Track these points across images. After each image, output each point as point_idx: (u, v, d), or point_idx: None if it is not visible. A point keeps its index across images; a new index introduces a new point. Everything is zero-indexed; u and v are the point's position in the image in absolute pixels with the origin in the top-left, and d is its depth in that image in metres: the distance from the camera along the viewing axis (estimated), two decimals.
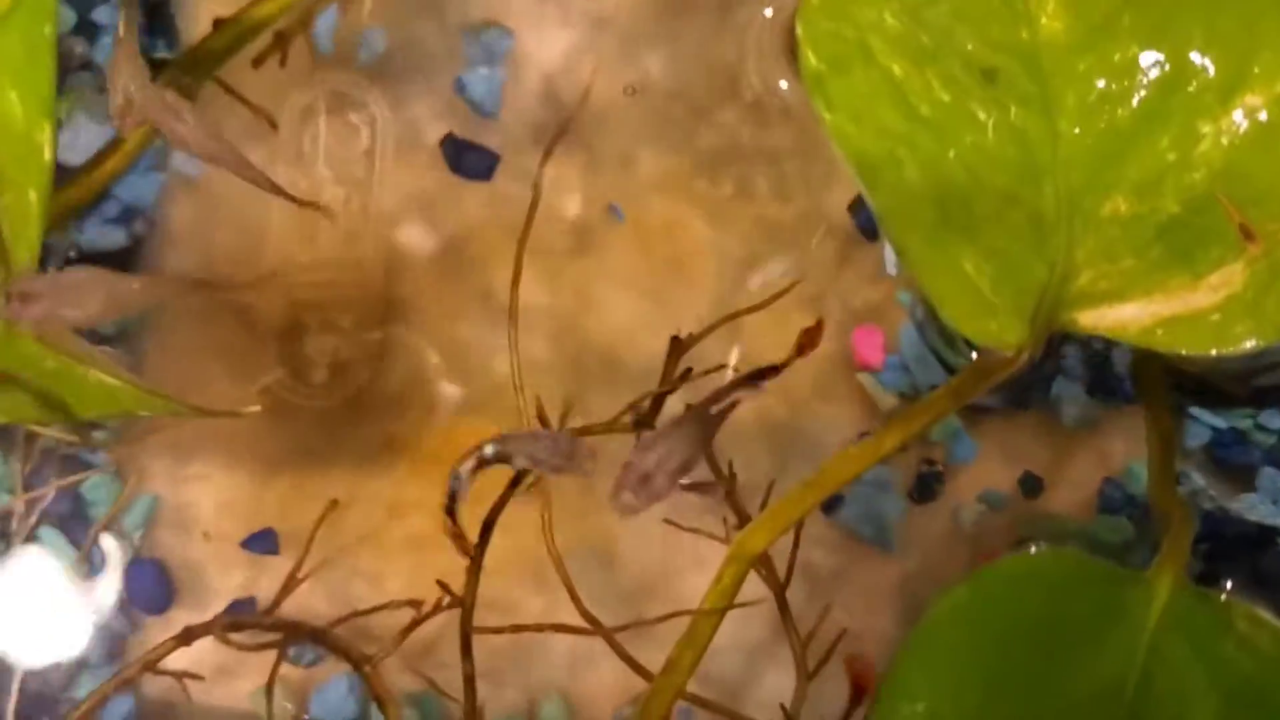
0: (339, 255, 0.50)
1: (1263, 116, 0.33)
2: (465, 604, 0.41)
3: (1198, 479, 0.48)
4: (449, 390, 0.50)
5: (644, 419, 0.38)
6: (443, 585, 0.42)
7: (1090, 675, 0.31)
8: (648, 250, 0.51)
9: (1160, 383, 0.40)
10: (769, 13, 0.48)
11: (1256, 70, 0.33)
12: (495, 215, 0.51)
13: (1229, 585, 0.38)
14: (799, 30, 0.32)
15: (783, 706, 0.44)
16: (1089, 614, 0.31)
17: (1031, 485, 0.49)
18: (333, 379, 0.49)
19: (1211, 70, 0.33)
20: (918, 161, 0.31)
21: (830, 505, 0.50)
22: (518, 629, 0.44)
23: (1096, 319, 0.33)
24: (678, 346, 0.38)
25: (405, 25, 0.51)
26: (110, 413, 0.35)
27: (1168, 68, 0.33)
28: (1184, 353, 0.32)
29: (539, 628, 0.44)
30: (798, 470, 0.50)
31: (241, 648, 0.44)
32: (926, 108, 0.31)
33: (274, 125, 0.48)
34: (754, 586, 0.44)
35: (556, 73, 0.51)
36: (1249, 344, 0.32)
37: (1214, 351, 0.32)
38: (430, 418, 0.50)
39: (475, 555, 0.39)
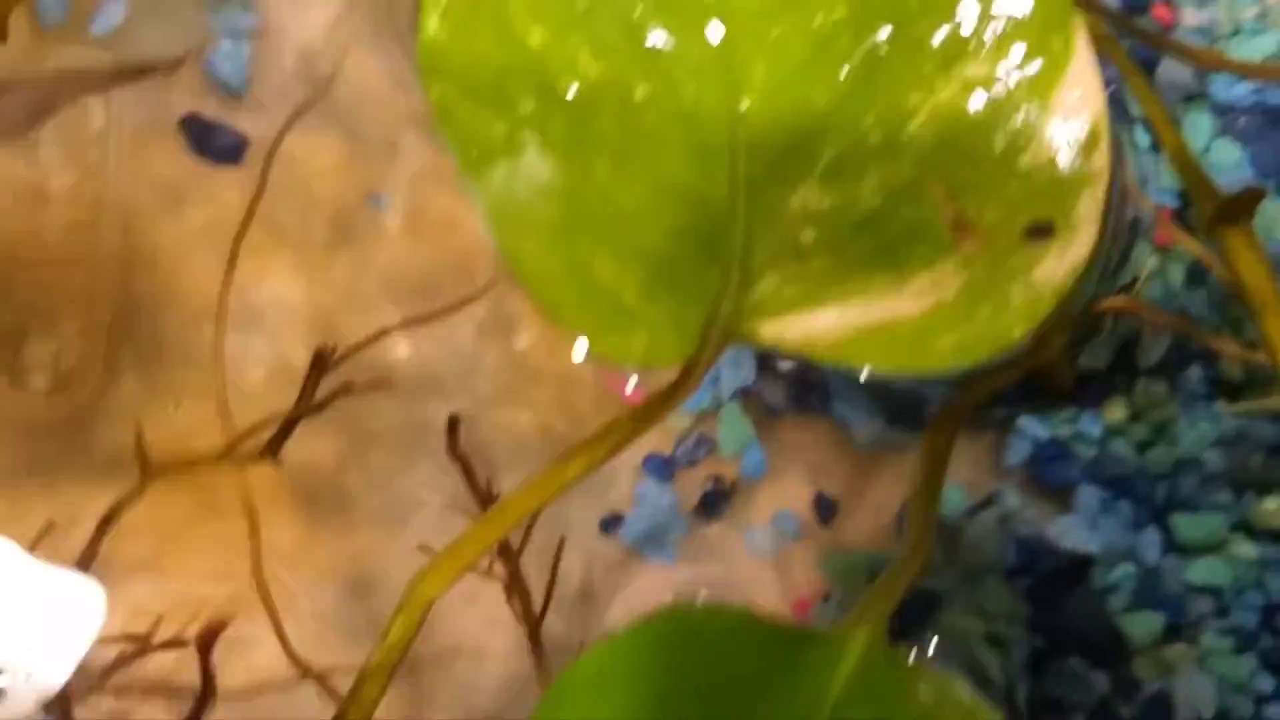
0: (67, 250, 0.46)
1: (993, 89, 0.28)
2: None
3: (1012, 501, 0.44)
4: (188, 399, 0.46)
5: (263, 453, 0.34)
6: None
7: None
8: (417, 243, 0.47)
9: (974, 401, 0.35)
10: None
11: (987, 34, 0.29)
12: (245, 203, 0.47)
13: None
14: None
15: None
16: (760, 679, 0.27)
17: (825, 507, 0.45)
18: (55, 387, 0.45)
19: (934, 37, 0.29)
20: (547, 146, 0.26)
21: (609, 525, 0.46)
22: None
23: (781, 330, 0.28)
24: (321, 361, 0.34)
25: None
26: None
27: (882, 34, 0.29)
28: (883, 370, 0.28)
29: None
30: (575, 493, 0.46)
31: None
32: (568, 82, 0.27)
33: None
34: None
35: (310, 49, 0.47)
36: (957, 362, 0.27)
37: (916, 371, 0.27)
38: (166, 428, 0.46)
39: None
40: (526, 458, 0.46)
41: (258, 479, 0.44)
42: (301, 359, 0.47)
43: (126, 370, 0.46)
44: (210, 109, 0.46)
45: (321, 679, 0.39)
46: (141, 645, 0.42)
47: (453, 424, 0.42)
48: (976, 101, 0.28)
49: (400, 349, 0.45)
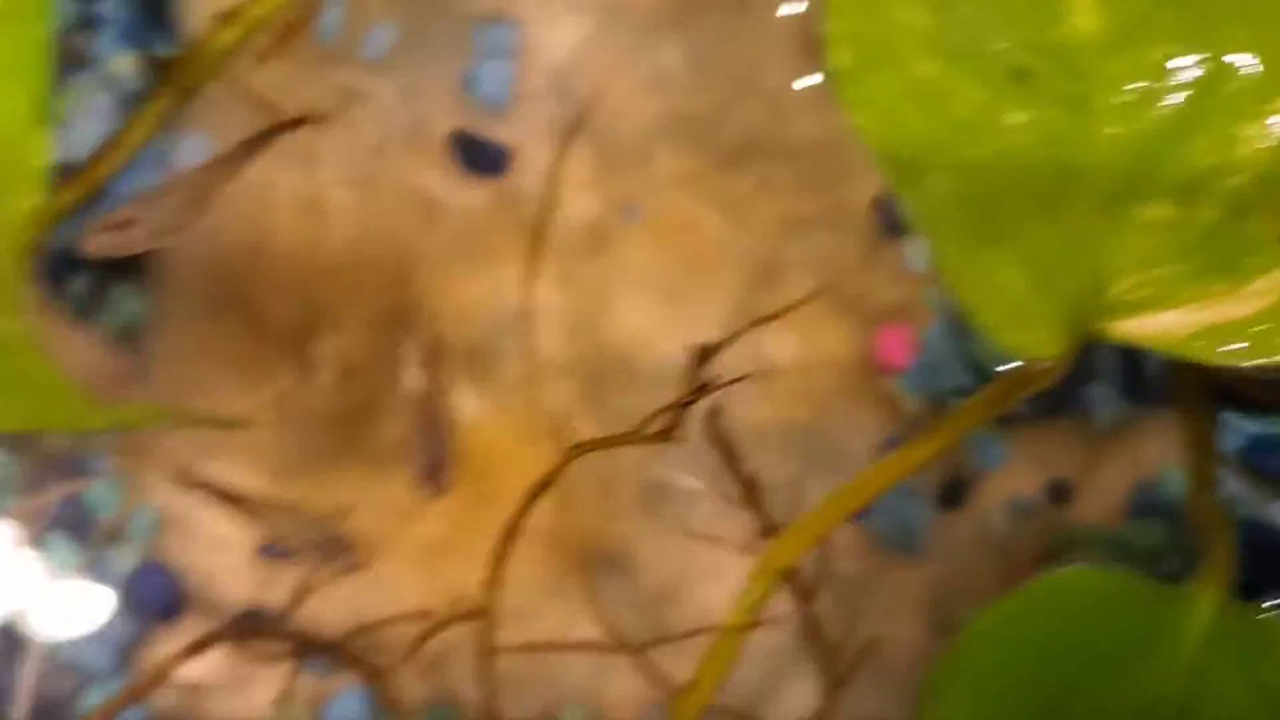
0: (347, 256, 0.49)
1: None
2: (486, 614, 0.41)
3: (1233, 485, 0.48)
4: (462, 394, 0.50)
5: (666, 431, 0.38)
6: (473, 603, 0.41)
7: (1132, 696, 0.31)
8: (665, 249, 0.51)
9: (1196, 388, 0.39)
10: (795, 7, 0.48)
11: None
12: (506, 212, 0.51)
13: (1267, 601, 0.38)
14: (828, 27, 0.31)
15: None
16: (1129, 634, 0.31)
17: (1060, 491, 0.49)
18: (342, 382, 0.49)
19: (1251, 71, 0.33)
20: (949, 166, 0.31)
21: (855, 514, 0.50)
22: (541, 647, 0.44)
23: (1134, 328, 0.32)
24: (700, 355, 0.38)
25: (412, 17, 0.50)
26: (118, 426, 0.35)
27: (1206, 68, 0.33)
28: (1221, 362, 0.32)
29: (561, 647, 0.44)
30: (819, 474, 0.50)
31: (256, 658, 0.44)
32: (959, 109, 0.31)
33: (291, 123, 0.48)
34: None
35: (568, 65, 0.51)
36: None
37: (1254, 362, 0.31)
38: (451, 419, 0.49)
39: (496, 564, 0.38)
40: (765, 445, 0.50)
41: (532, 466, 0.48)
42: (561, 357, 0.51)
43: (401, 365, 0.49)
44: (474, 124, 0.50)
45: (637, 652, 0.43)
46: (442, 620, 0.46)
47: (712, 416, 0.46)
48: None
49: (662, 345, 0.49)
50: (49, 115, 0.32)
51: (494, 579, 0.40)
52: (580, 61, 0.50)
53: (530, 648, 0.45)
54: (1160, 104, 0.32)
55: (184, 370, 0.49)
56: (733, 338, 0.38)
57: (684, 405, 0.37)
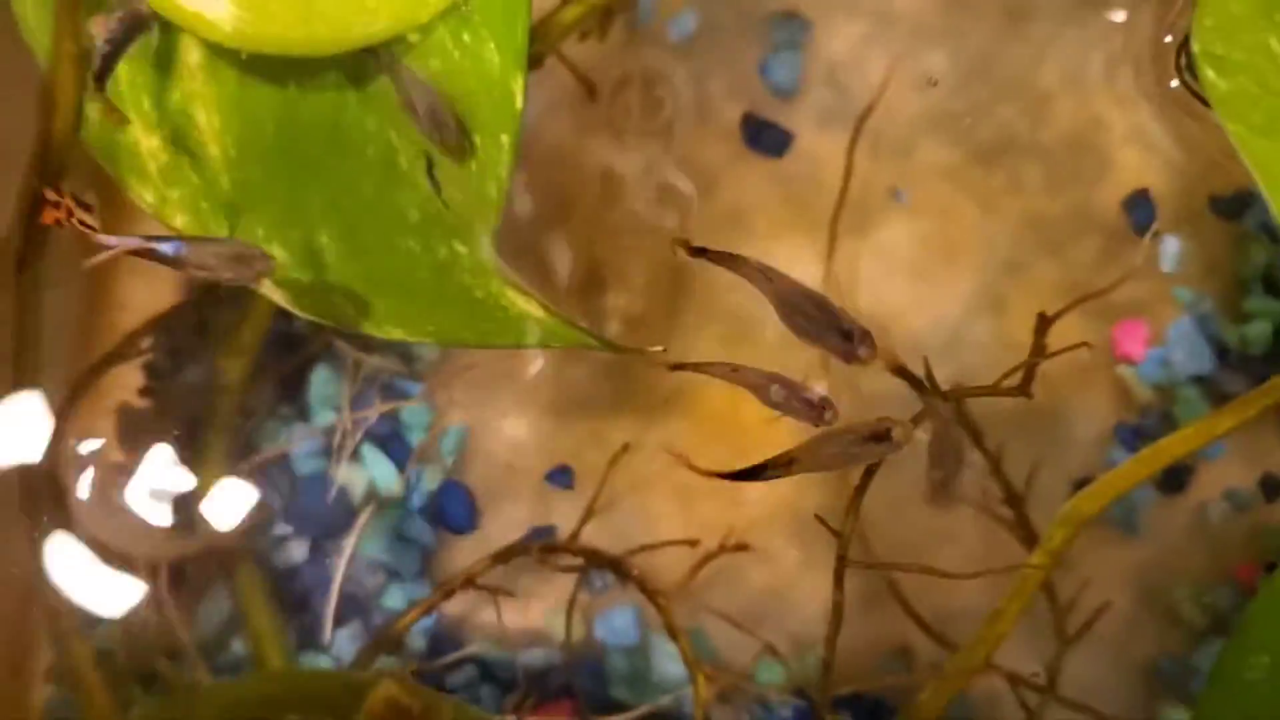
0: (636, 222, 0.54)
1: None
2: (842, 538, 0.44)
3: None
4: (727, 354, 0.55)
5: (1021, 388, 0.42)
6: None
7: None
8: (920, 233, 0.55)
9: None
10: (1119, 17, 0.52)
11: None
12: (780, 190, 0.55)
13: None
14: (1195, 47, 0.36)
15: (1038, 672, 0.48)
16: None
17: (1271, 487, 0.53)
18: (629, 332, 0.54)
19: None
20: None
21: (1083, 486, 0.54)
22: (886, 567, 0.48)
23: None
24: (1044, 322, 0.42)
25: (713, 9, 0.55)
26: (530, 343, 0.40)
27: None
28: None
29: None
30: (1053, 455, 0.54)
31: (552, 569, 0.49)
32: None
33: (592, 94, 0.53)
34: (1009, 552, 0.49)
35: (845, 62, 0.55)
36: None
37: None
38: (711, 379, 0.54)
39: (854, 498, 0.42)
40: (1004, 428, 0.54)
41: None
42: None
43: (682, 322, 0.54)
44: (762, 108, 0.55)
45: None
46: (712, 552, 0.51)
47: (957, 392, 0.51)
48: None
49: (911, 319, 0.54)
50: (525, 61, 0.37)
51: (856, 505, 0.43)
52: (857, 59, 0.55)
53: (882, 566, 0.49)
54: None
55: None
56: (1072, 305, 0.42)
57: (1033, 366, 0.42)
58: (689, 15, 0.55)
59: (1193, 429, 0.38)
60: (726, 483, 0.45)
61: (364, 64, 0.37)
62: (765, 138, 0.55)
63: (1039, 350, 0.41)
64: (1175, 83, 0.50)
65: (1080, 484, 0.54)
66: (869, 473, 0.42)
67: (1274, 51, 0.35)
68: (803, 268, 0.55)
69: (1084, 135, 0.55)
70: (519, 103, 0.36)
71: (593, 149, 0.54)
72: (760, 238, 0.55)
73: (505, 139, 0.36)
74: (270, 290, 0.39)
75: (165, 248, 0.37)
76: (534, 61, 0.50)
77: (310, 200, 0.38)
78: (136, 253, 0.37)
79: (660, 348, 0.43)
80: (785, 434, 0.48)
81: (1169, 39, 0.52)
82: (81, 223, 0.37)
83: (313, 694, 0.39)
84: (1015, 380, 0.42)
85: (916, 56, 0.55)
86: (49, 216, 0.37)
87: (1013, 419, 0.55)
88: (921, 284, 0.55)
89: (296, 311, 0.39)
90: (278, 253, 0.38)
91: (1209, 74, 0.35)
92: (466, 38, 0.36)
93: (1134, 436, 0.53)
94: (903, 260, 0.55)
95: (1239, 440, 0.54)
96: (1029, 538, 0.50)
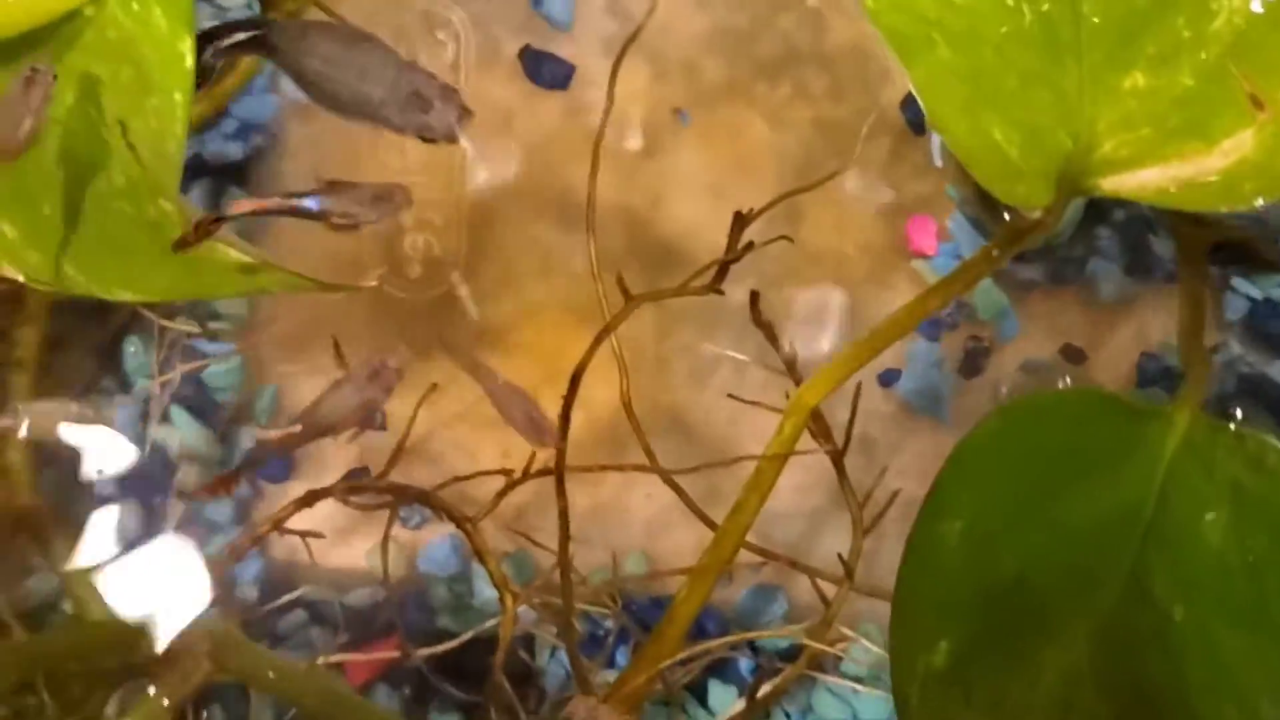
0: (428, 160, 0.55)
1: None
2: (558, 468, 0.45)
3: (1236, 347, 0.52)
4: (533, 284, 0.55)
5: (711, 285, 0.43)
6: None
7: (1112, 497, 0.35)
8: (712, 150, 0.56)
9: (1199, 250, 0.43)
10: None
11: None
12: (572, 122, 0.55)
13: (1240, 414, 0.42)
14: None
15: (840, 557, 0.48)
16: (1113, 443, 0.36)
17: (1073, 355, 0.53)
18: (427, 274, 0.55)
19: None
20: (950, 43, 0.35)
21: (887, 379, 0.54)
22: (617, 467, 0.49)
23: (1117, 183, 0.36)
24: (740, 220, 0.42)
25: None
26: (248, 290, 0.40)
27: None
28: (1199, 210, 0.36)
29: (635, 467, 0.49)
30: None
31: (359, 508, 0.50)
32: None
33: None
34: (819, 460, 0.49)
35: None
36: (1258, 201, 0.36)
37: (1225, 208, 0.35)
38: (517, 311, 0.55)
39: (563, 414, 0.43)
40: (806, 323, 0.55)
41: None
42: (620, 249, 0.56)
43: (480, 260, 0.55)
44: (539, 42, 0.55)
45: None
46: (517, 478, 0.51)
47: (754, 297, 0.51)
48: (1265, 3, 0.36)
49: (710, 235, 0.54)
50: (191, 22, 0.37)
51: (564, 431, 0.45)
52: None
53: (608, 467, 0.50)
54: None
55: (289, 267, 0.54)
56: (767, 207, 0.43)
57: (727, 263, 0.42)
58: None
59: (904, 310, 0.38)
60: (548, 408, 0.45)
61: (61, 38, 0.38)
62: (546, 71, 0.55)
63: (735, 247, 0.42)
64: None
65: (885, 380, 0.55)
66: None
67: None
68: (603, 191, 0.56)
69: (862, 43, 0.55)
70: (188, 61, 0.37)
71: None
72: (559, 170, 0.56)
73: (179, 96, 0.37)
74: (8, 269, 0.39)
75: (308, 203, 0.38)
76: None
77: (29, 174, 0.39)
78: (276, 210, 0.38)
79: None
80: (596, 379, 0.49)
81: None
82: None
83: (94, 643, 0.40)
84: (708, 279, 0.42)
85: None
86: None
87: (822, 314, 0.55)
88: (718, 200, 0.56)
89: (36, 285, 0.40)
90: (8, 230, 0.39)
91: None
92: (135, 6, 0.37)
93: (934, 328, 0.54)
94: (697, 179, 0.56)
95: (1039, 317, 0.54)
96: (823, 430, 0.51)
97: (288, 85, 0.54)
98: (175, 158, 0.37)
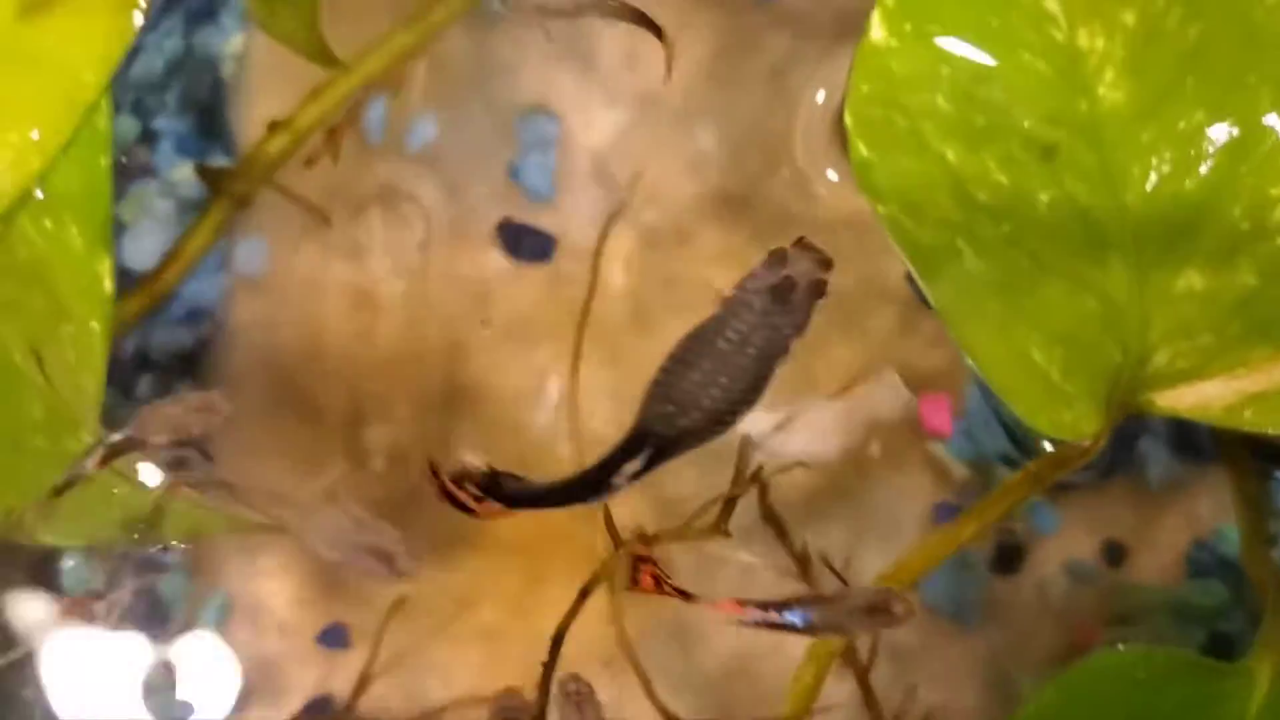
0: (397, 347, 0.50)
1: None
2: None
3: None
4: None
5: (717, 526, 0.37)
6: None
7: None
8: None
9: (1242, 446, 0.38)
10: (820, 96, 0.47)
11: None
12: (555, 295, 0.50)
13: None
14: (848, 120, 0.31)
15: None
16: (1188, 707, 0.30)
17: (1115, 553, 0.47)
18: (393, 469, 0.49)
19: None
20: (978, 250, 0.30)
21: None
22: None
23: (1176, 399, 0.31)
24: (748, 446, 0.37)
25: (454, 111, 0.51)
26: (195, 535, 0.35)
27: (1235, 132, 0.32)
28: (1270, 429, 0.31)
29: None
30: (872, 540, 0.48)
31: None
32: (984, 193, 0.30)
33: (328, 221, 0.49)
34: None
35: (607, 150, 0.51)
36: None
37: None
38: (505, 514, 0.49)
39: (548, 663, 0.38)
40: (818, 511, 0.49)
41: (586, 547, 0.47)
42: (611, 436, 0.51)
43: (456, 451, 0.49)
44: (518, 213, 0.50)
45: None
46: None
47: (763, 490, 0.46)
48: None
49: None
50: (110, 241, 0.33)
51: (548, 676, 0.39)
52: (621, 149, 0.51)
53: None
54: (1192, 171, 0.31)
55: (245, 463, 0.49)
56: (782, 424, 0.37)
57: (733, 499, 0.37)
58: (427, 122, 0.50)
59: (936, 538, 0.33)
60: (533, 621, 0.40)
61: None
62: (526, 245, 0.50)
63: (743, 477, 0.36)
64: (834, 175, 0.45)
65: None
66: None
67: (941, 111, 0.30)
68: (590, 371, 0.51)
69: (860, 214, 0.50)
70: (107, 286, 0.32)
71: (341, 276, 0.50)
72: (542, 346, 0.50)
73: (96, 325, 0.32)
74: None
75: (792, 618, 0.32)
76: (242, 201, 0.46)
77: None
78: (757, 623, 0.32)
79: None
80: (583, 554, 0.44)
81: None
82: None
83: None
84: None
85: (684, 137, 0.51)
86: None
87: (827, 502, 0.50)
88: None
89: None
90: None
91: (861, 149, 0.30)
92: (48, 223, 0.32)
93: (953, 515, 0.48)
94: None
95: (1076, 510, 0.48)
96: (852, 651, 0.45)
97: (240, 260, 0.49)
98: (94, 394, 0.32)
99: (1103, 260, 0.31)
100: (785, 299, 0.37)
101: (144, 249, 0.48)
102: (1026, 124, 0.31)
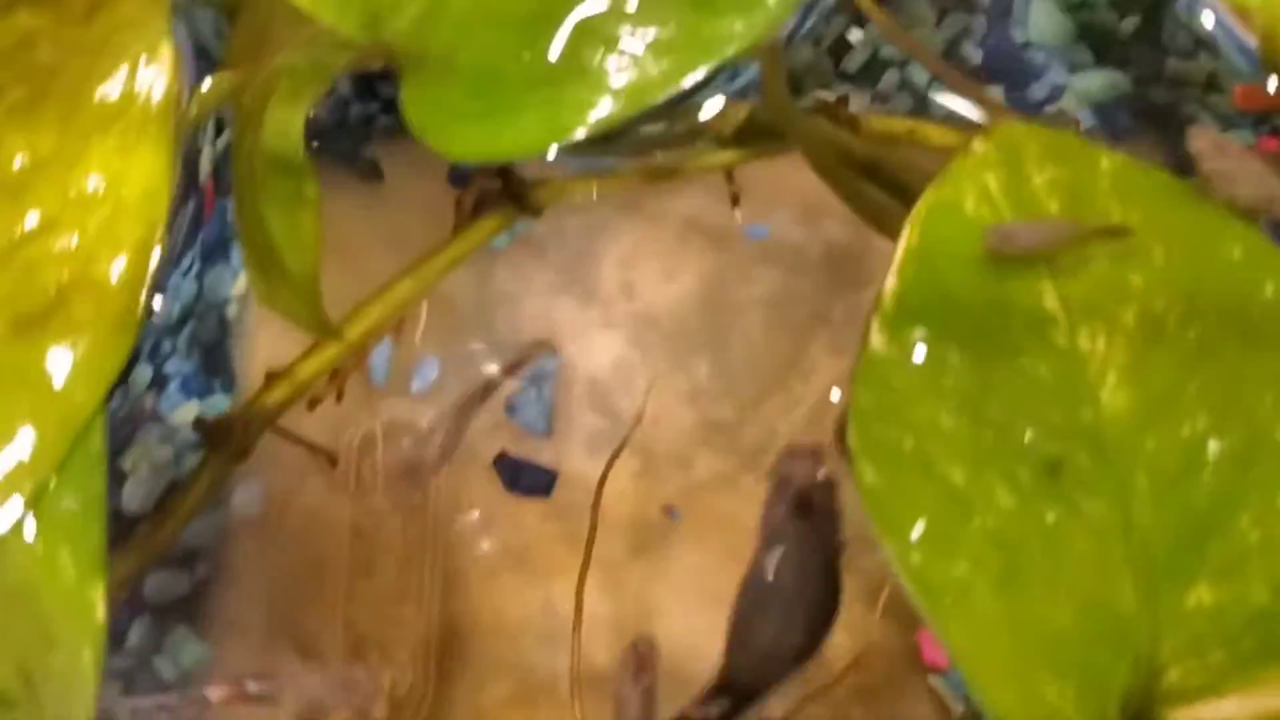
0: (398, 585, 0.48)
1: None
2: None
3: None
4: (516, 709, 0.48)
5: None
6: None
7: None
8: (705, 550, 0.49)
9: None
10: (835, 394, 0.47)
11: None
12: (554, 527, 0.49)
13: None
14: (851, 440, 0.30)
15: None
16: None
17: None
18: (392, 713, 0.47)
19: None
20: (989, 584, 0.29)
21: None
22: None
23: (1189, 717, 0.30)
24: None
25: (456, 349, 0.50)
26: None
27: (1240, 438, 0.31)
28: None
29: None
30: None
31: None
32: (991, 519, 0.29)
33: (333, 462, 0.47)
34: None
35: (605, 378, 0.50)
36: None
37: None
38: None
39: None
40: None
41: None
42: (606, 666, 0.49)
43: (453, 689, 0.48)
44: (516, 447, 0.49)
45: None
46: None
47: None
48: None
49: (710, 651, 0.47)
50: (104, 567, 0.31)
51: None
52: (619, 377, 0.50)
53: None
54: (1198, 480, 0.31)
55: (241, 709, 0.47)
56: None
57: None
58: (430, 363, 0.49)
59: None
60: None
61: None
62: (525, 480, 0.49)
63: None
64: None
65: None
66: None
67: (944, 429, 0.29)
68: (591, 603, 0.49)
69: None
70: (100, 613, 0.31)
71: (341, 509, 0.49)
72: (541, 577, 0.49)
73: (88, 655, 0.30)
74: None
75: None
76: (240, 455, 0.45)
77: None
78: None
79: None
80: None
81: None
82: None
83: None
84: None
85: (681, 366, 0.50)
86: None
87: None
88: (717, 607, 0.49)
89: None
90: None
91: (867, 473, 0.29)
92: (39, 547, 0.31)
93: None
94: (693, 584, 0.49)
95: None
96: None
97: (238, 501, 0.48)
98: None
99: (1111, 579, 0.30)
100: (809, 512, 0.37)
101: (143, 494, 0.46)
102: (1031, 437, 0.30)
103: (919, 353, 0.31)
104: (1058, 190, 0.34)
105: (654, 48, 0.33)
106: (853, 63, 0.50)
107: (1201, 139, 0.35)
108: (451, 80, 0.34)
